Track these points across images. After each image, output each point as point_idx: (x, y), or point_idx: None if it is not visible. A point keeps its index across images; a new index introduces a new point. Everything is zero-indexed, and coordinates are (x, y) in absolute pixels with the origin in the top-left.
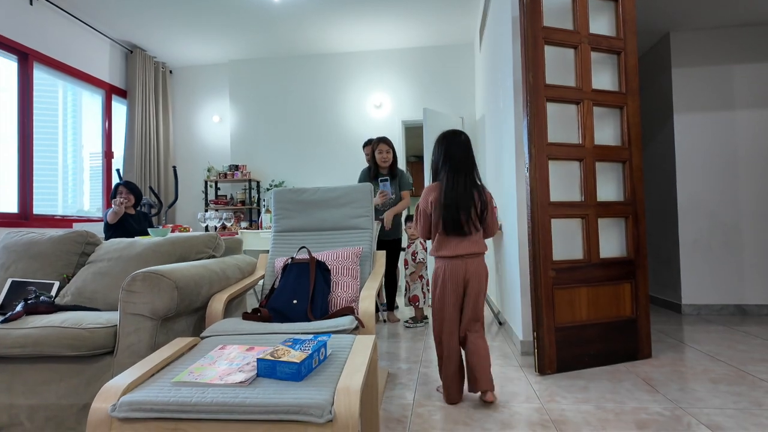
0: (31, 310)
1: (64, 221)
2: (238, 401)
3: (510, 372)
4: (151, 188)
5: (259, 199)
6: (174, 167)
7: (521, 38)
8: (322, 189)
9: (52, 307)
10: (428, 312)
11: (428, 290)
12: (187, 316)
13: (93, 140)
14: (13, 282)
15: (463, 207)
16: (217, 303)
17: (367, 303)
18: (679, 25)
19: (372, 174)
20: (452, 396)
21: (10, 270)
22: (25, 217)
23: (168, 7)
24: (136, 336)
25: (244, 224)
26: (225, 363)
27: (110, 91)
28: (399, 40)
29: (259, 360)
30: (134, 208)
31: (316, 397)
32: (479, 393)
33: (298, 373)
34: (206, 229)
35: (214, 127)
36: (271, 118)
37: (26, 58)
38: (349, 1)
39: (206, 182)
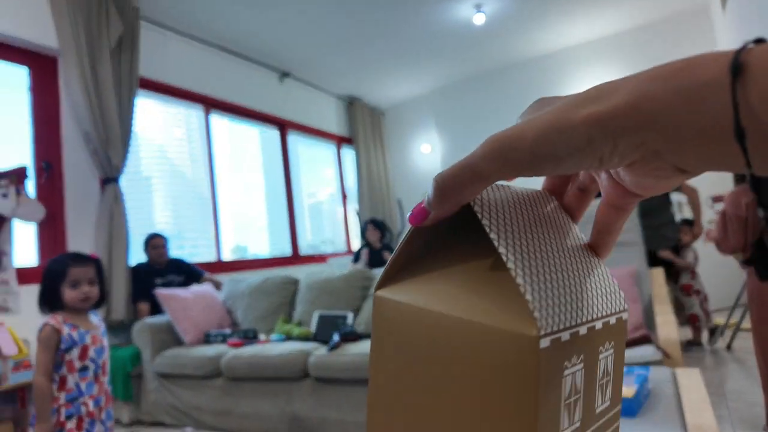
0: (344, 339)
1: (321, 257)
2: None
3: None
4: (382, 221)
5: None
6: (399, 200)
7: None
8: None
9: (357, 336)
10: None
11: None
12: None
13: (309, 181)
14: (320, 315)
15: None
16: None
17: (667, 329)
18: None
19: None
20: None
21: (314, 304)
22: (296, 257)
23: (377, 57)
24: None
25: None
26: None
27: (340, 141)
28: (609, 25)
29: None
30: (380, 242)
31: None
32: None
33: (630, 408)
34: None
35: (424, 157)
36: (479, 136)
37: (283, 128)
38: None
39: None
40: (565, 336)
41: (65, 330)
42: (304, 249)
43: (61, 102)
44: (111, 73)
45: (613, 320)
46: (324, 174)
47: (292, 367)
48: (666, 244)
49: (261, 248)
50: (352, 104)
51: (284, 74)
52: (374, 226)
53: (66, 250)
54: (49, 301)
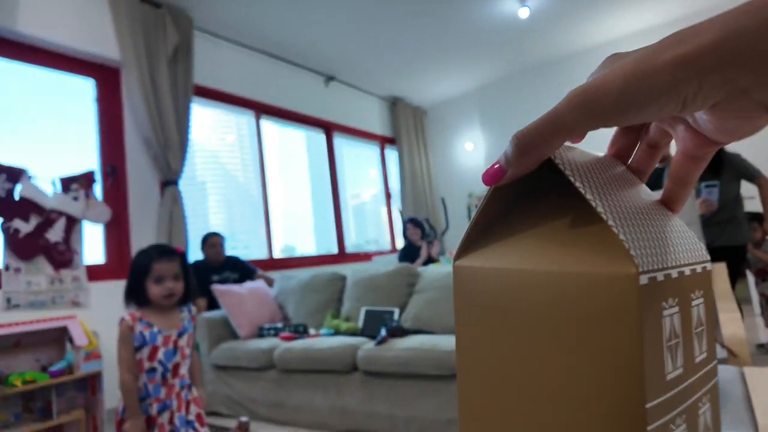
0: (391, 334)
1: (366, 256)
2: None
3: None
4: (426, 220)
5: None
6: (443, 198)
7: None
8: None
9: (403, 331)
10: None
11: None
12: None
13: (353, 183)
14: (367, 311)
15: None
16: None
17: (733, 327)
18: None
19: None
20: None
21: (361, 301)
22: (342, 256)
23: (420, 56)
24: None
25: None
26: None
27: (383, 142)
28: (660, 14)
29: None
30: (421, 239)
31: None
32: None
33: None
34: None
35: (467, 155)
36: None
37: (329, 130)
38: None
39: (469, 207)
40: (660, 276)
41: (137, 328)
42: (349, 249)
43: (123, 110)
44: (168, 82)
45: (698, 269)
46: (367, 174)
47: (341, 360)
48: (744, 239)
49: (308, 248)
50: (395, 104)
51: (329, 78)
52: (414, 224)
53: (130, 250)
54: (136, 296)
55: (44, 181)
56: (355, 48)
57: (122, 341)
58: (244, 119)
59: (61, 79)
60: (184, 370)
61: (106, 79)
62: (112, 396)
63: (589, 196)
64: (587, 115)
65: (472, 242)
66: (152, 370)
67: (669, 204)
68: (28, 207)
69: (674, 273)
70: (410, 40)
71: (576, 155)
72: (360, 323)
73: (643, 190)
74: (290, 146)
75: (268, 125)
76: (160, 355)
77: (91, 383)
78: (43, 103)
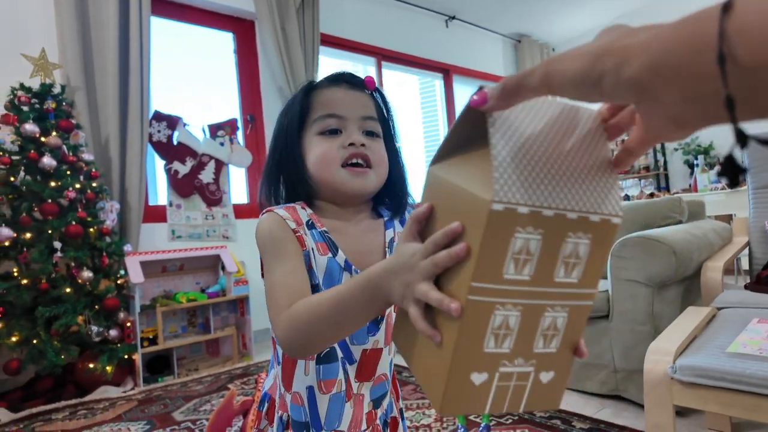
0: None
1: None
2: None
3: None
4: None
5: (665, 162)
6: None
7: None
8: None
9: None
10: None
11: None
12: (677, 285)
13: None
14: None
15: None
16: (715, 273)
17: None
18: None
19: None
20: None
21: None
22: None
23: None
24: (631, 302)
25: (648, 191)
26: None
27: None
28: None
29: None
30: None
31: None
32: None
33: None
34: (627, 198)
35: None
36: None
37: (448, 74)
38: None
39: None
40: (523, 209)
41: (307, 242)
42: None
43: (259, 61)
44: (297, 32)
45: (595, 218)
46: None
47: None
48: None
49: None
50: (519, 42)
51: (450, 18)
52: None
53: None
54: (286, 176)
55: (196, 128)
56: None
57: (265, 243)
58: (363, 67)
59: (206, 33)
60: (385, 366)
61: (243, 32)
62: (257, 318)
63: (492, 141)
64: (544, 84)
65: (443, 155)
66: (329, 357)
67: (616, 165)
68: (184, 151)
69: (548, 212)
70: None
71: (538, 105)
72: None
73: (596, 146)
74: (407, 92)
75: (389, 72)
76: None
77: (240, 306)
78: (192, 58)
